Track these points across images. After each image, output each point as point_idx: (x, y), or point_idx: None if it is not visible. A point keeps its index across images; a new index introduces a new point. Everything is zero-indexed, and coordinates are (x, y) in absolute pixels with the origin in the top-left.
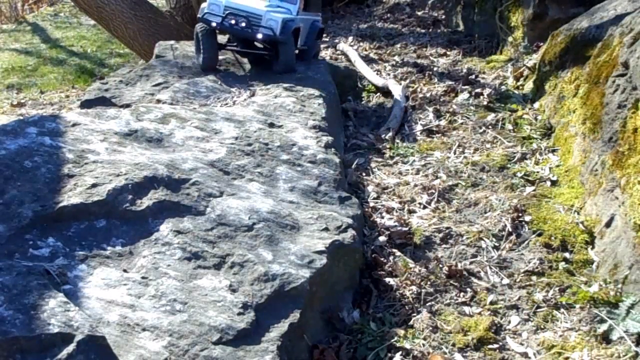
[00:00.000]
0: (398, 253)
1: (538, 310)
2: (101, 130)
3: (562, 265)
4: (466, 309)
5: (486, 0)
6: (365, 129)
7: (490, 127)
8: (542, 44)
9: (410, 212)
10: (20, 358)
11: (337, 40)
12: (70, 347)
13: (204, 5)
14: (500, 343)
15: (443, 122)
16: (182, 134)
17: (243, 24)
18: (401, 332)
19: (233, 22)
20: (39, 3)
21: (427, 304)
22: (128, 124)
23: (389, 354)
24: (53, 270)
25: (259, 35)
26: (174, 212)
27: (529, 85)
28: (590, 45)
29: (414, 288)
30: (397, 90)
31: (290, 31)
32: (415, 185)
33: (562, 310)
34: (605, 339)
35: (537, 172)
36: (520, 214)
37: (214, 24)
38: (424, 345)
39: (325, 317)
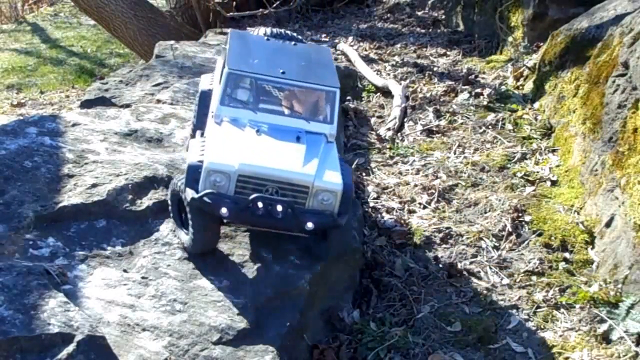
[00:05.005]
0: (398, 253)
1: (538, 310)
2: (101, 130)
3: (562, 265)
4: (466, 309)
5: (486, 0)
6: (365, 129)
7: (490, 127)
8: (542, 44)
9: (410, 212)
10: (20, 358)
11: (337, 40)
12: (70, 347)
13: (190, 164)
14: (500, 343)
15: (443, 122)
16: (182, 134)
17: (280, 209)
18: (401, 332)
19: (261, 206)
20: (39, 3)
21: (427, 304)
22: (128, 124)
23: (389, 354)
24: (53, 270)
25: (310, 225)
26: None
27: (529, 85)
28: (590, 45)
29: (414, 288)
30: (397, 90)
31: (351, 198)
32: (415, 185)
33: (562, 310)
34: (605, 339)
35: (537, 172)
36: (520, 214)
37: (224, 212)
38: (424, 345)
39: (325, 317)
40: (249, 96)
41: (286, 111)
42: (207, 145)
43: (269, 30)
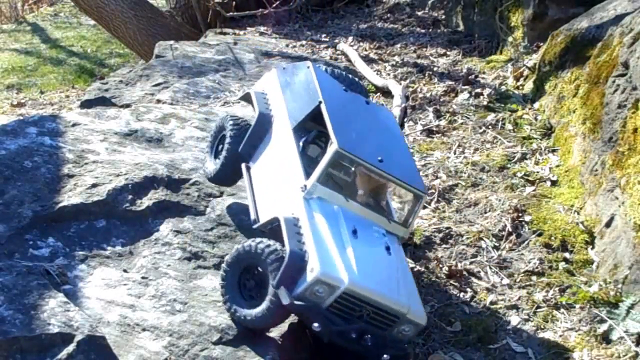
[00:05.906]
0: None
1: (538, 310)
2: (101, 130)
3: (562, 265)
4: (466, 308)
5: (486, 0)
6: None
7: (490, 127)
8: (542, 44)
9: None
10: (20, 358)
11: (337, 40)
12: (70, 347)
13: (292, 252)
14: (500, 343)
15: (443, 122)
16: (182, 134)
17: (369, 337)
18: None
19: (352, 332)
20: (39, 3)
21: (427, 304)
22: (128, 124)
23: None
24: (53, 270)
25: (385, 357)
26: (174, 212)
27: (529, 85)
28: (590, 45)
29: None
30: (397, 90)
31: None
32: None
33: (562, 310)
34: (605, 339)
35: (537, 172)
36: (520, 214)
37: (315, 327)
38: (424, 345)
39: None
40: (345, 179)
41: (371, 201)
42: (307, 237)
43: (329, 69)
